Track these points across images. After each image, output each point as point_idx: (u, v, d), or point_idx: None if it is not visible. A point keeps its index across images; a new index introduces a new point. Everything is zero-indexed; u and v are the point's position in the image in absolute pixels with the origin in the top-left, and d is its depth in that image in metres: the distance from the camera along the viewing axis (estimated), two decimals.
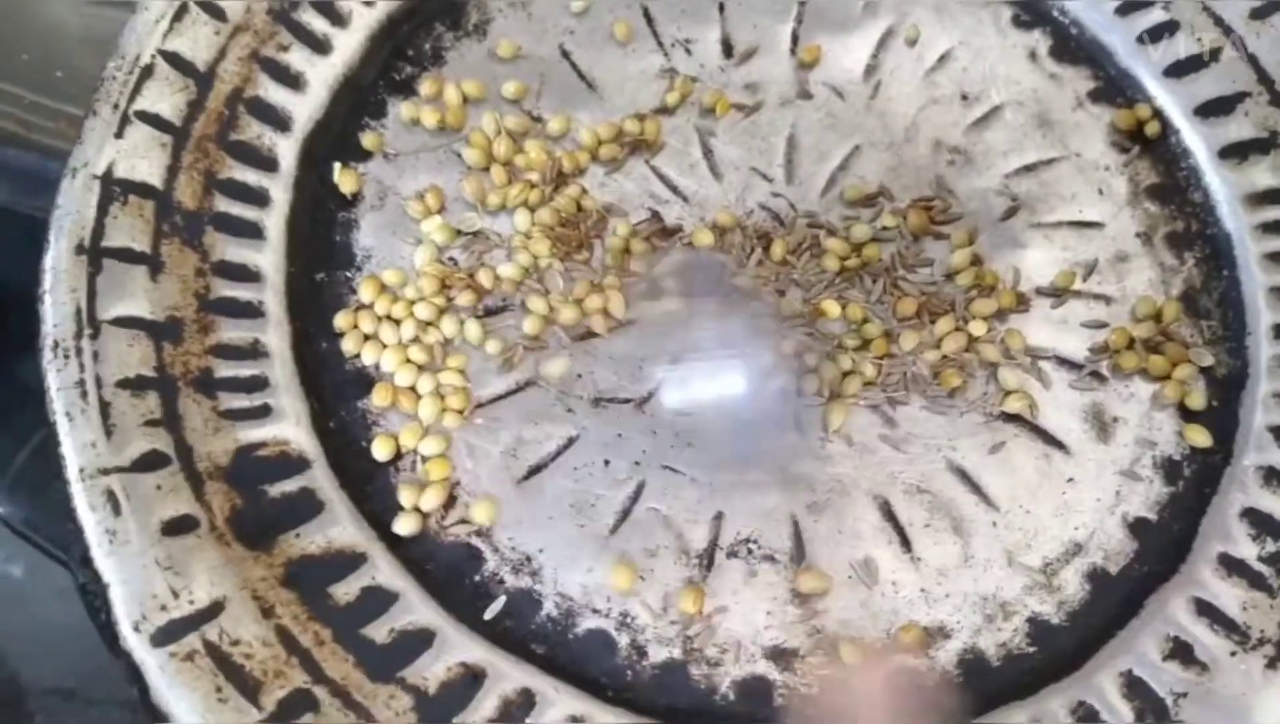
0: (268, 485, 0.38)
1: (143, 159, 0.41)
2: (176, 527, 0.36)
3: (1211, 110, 0.47)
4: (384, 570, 0.37)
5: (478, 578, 0.38)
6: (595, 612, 0.38)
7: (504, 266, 0.43)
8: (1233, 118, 0.46)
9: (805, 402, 0.42)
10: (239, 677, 0.34)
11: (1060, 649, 0.38)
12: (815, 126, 0.47)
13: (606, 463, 0.40)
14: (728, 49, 0.48)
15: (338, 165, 0.44)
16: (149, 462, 0.37)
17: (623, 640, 0.38)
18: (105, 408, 0.37)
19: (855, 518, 0.40)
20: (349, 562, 0.37)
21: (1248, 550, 0.39)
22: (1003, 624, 0.39)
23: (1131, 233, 0.45)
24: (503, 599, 0.38)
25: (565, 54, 0.47)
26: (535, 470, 0.40)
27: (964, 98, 0.47)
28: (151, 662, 0.34)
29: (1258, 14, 0.47)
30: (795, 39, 0.49)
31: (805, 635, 0.38)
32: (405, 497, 0.39)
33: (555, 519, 0.39)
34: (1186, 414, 0.42)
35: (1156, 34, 0.48)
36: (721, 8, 0.49)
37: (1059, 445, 0.42)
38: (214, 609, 0.35)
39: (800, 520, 0.40)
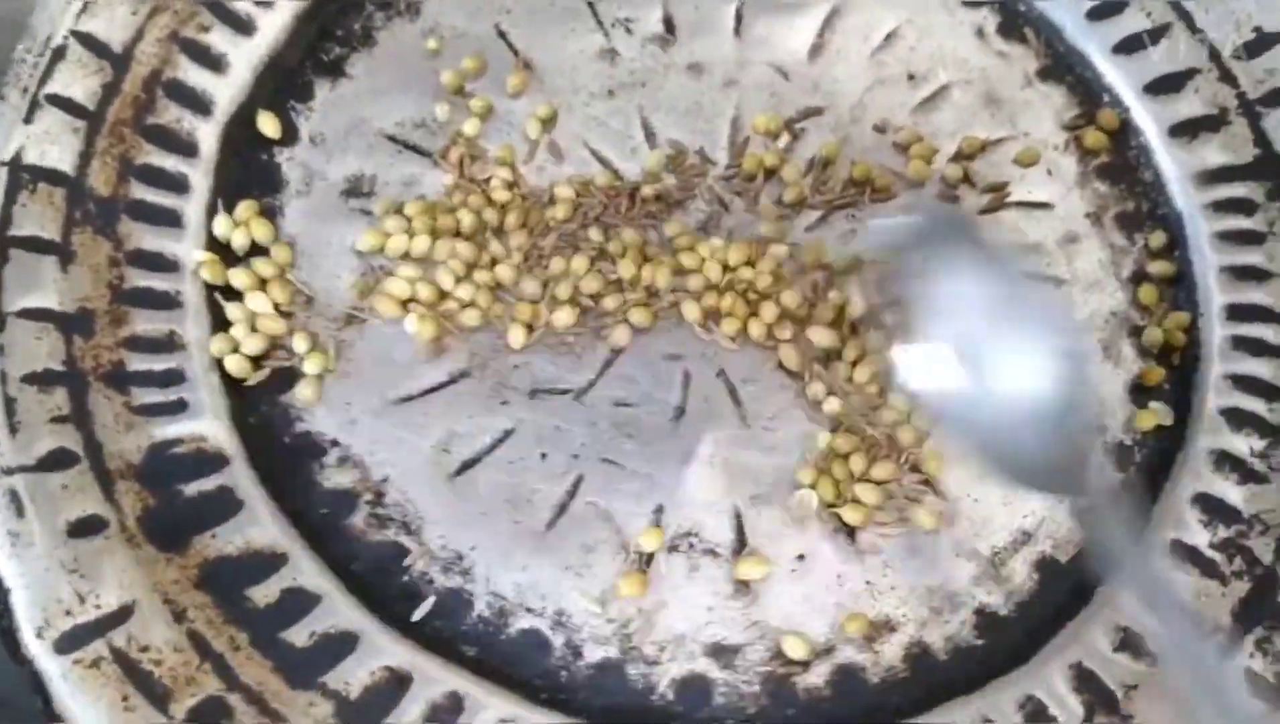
0: (183, 484, 0.36)
1: (53, 144, 0.39)
2: (84, 527, 0.35)
3: (1161, 87, 0.46)
4: (306, 571, 0.36)
5: (405, 578, 0.37)
6: (529, 611, 0.37)
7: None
8: (1183, 95, 0.45)
9: (748, 390, 0.40)
10: (147, 684, 0.32)
11: (1009, 641, 0.37)
12: (759, 108, 0.45)
13: (543, 456, 0.39)
14: (670, 28, 0.47)
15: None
16: (56, 460, 0.35)
17: (558, 640, 0.36)
18: (10, 404, 0.36)
19: (799, 509, 0.39)
20: (268, 562, 0.36)
21: (1200, 537, 0.38)
22: (950, 616, 0.37)
23: (1081, 213, 0.44)
24: (432, 600, 0.36)
25: (501, 34, 0.46)
26: (468, 465, 0.39)
27: (911, 77, 0.46)
28: (54, 669, 0.32)
29: None
30: (739, 18, 0.47)
31: (746, 630, 0.37)
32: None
33: (488, 515, 0.38)
34: (1137, 398, 0.41)
35: (1105, 10, 0.47)
36: None
37: None
38: (122, 614, 0.33)
39: (743, 513, 0.39)
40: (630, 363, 0.40)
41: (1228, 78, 0.45)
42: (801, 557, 0.38)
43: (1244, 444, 0.40)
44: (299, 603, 0.35)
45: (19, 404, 0.35)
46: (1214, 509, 0.39)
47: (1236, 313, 0.42)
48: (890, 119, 0.45)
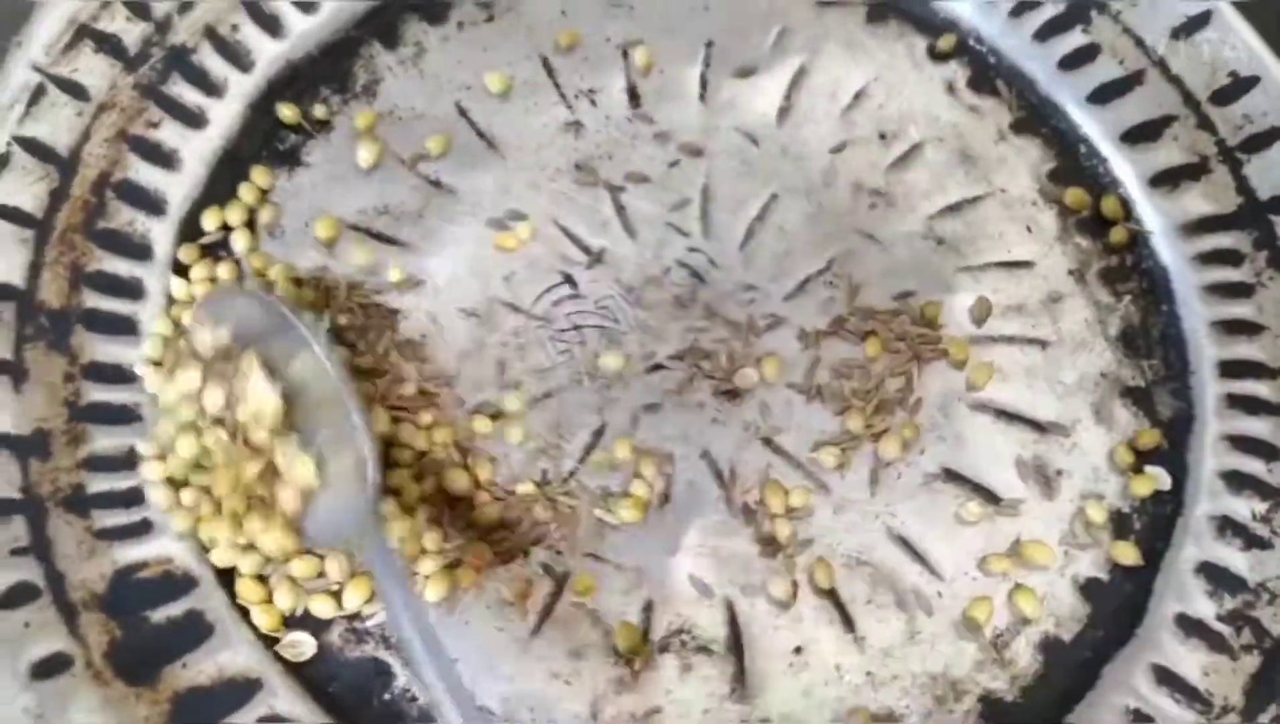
0: (150, 610, 0.35)
1: (1, 257, 0.38)
2: (48, 667, 0.33)
3: (1138, 136, 0.45)
4: (282, 697, 0.34)
5: (387, 696, 0.35)
6: None
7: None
8: (1161, 143, 0.44)
9: (735, 474, 0.39)
10: None
11: None
12: (730, 175, 0.44)
13: (525, 554, 0.38)
14: (634, 97, 0.45)
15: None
16: (16, 596, 0.34)
17: None
18: None
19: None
20: (242, 690, 0.34)
21: (1205, 608, 0.37)
22: (954, 705, 0.36)
23: (1064, 270, 0.43)
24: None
25: (463, 112, 0.45)
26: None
27: (882, 136, 0.45)
28: None
29: (1178, 33, 0.45)
30: (704, 83, 0.46)
31: None
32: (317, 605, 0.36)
33: (471, 624, 0.36)
34: (1134, 464, 0.40)
35: (1077, 59, 0.46)
36: (625, 54, 0.46)
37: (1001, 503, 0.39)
38: None
39: (736, 605, 0.37)
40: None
41: (1206, 124, 0.44)
42: (799, 649, 0.37)
43: (1245, 508, 0.39)
44: None
45: None
46: (1219, 578, 0.38)
47: (1229, 369, 0.41)
48: (863, 181, 0.44)
